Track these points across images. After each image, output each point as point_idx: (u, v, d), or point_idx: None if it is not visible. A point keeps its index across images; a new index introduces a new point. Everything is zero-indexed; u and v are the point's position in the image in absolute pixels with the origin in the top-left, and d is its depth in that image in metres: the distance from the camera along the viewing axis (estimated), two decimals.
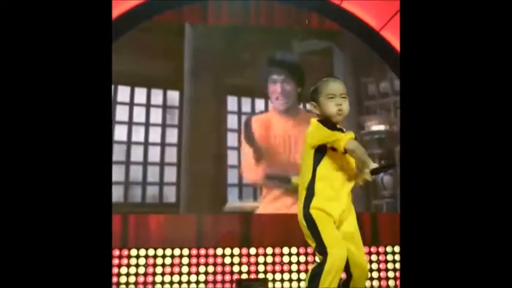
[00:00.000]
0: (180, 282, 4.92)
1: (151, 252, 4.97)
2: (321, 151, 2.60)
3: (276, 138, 5.78)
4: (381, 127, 6.12)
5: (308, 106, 3.19)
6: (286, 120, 5.85)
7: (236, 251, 5.07)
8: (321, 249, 2.42)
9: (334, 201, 2.54)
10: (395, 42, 5.83)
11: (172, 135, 5.82)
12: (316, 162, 2.60)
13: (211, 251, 5.04)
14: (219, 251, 5.05)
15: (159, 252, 4.98)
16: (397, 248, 5.27)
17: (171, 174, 5.73)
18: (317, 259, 2.48)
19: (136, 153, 5.69)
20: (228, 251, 5.06)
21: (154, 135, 5.80)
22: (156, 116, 5.85)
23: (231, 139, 5.90)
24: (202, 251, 5.04)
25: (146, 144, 5.77)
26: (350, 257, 2.50)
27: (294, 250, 5.15)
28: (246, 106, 6.00)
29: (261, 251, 5.11)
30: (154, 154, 5.76)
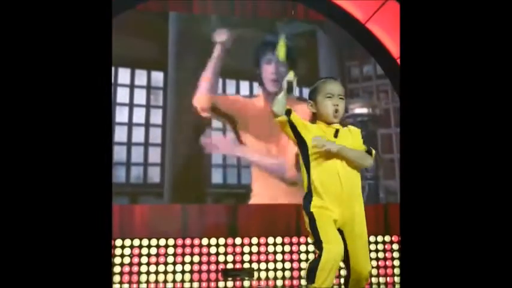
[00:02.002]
0: (165, 272, 4.96)
1: (136, 242, 4.98)
2: (305, 152, 2.61)
3: (261, 122, 5.74)
4: (364, 110, 6.14)
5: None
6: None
7: (221, 241, 5.10)
8: (318, 244, 2.45)
9: (334, 201, 2.53)
10: (381, 35, 5.76)
11: (156, 116, 5.75)
12: (306, 163, 2.61)
13: (196, 241, 5.06)
14: (205, 241, 5.08)
15: (145, 242, 4.99)
16: (380, 238, 5.35)
17: (155, 155, 5.69)
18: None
19: (121, 134, 5.61)
20: (213, 241, 5.09)
21: (139, 116, 5.72)
22: (140, 96, 5.75)
23: (216, 120, 5.83)
24: (188, 241, 5.06)
25: (130, 124, 5.69)
26: (351, 260, 2.53)
27: (279, 240, 5.19)
28: (231, 88, 5.92)
29: (246, 240, 5.14)
30: (138, 135, 5.69)
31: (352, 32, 5.91)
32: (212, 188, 5.67)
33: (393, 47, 5.87)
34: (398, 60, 5.82)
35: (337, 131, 2.63)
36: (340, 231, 2.54)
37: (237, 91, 5.92)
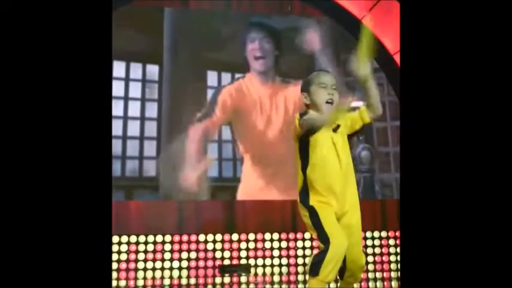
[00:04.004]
0: (162, 269, 4.95)
1: (133, 238, 4.96)
2: (304, 147, 2.63)
3: (252, 102, 5.75)
4: (360, 103, 6.09)
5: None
6: (262, 84, 5.80)
7: (218, 237, 5.10)
8: (323, 238, 2.46)
9: (332, 193, 2.56)
10: (377, 31, 5.70)
11: (152, 110, 5.71)
12: (304, 157, 2.64)
13: (193, 237, 5.06)
14: (201, 237, 5.07)
15: (141, 238, 4.97)
16: (376, 234, 5.37)
17: (150, 148, 5.66)
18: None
19: (116, 127, 5.56)
20: (210, 237, 5.08)
21: (134, 109, 5.67)
22: (135, 90, 5.70)
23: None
24: (185, 237, 5.05)
25: (125, 118, 5.64)
26: (347, 250, 2.53)
27: (275, 236, 5.20)
28: (226, 81, 5.89)
29: (243, 237, 5.14)
30: (133, 128, 5.65)
31: (348, 28, 5.87)
32: (208, 182, 5.65)
33: (389, 42, 5.84)
34: (395, 57, 5.80)
35: (338, 126, 2.69)
36: None
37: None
